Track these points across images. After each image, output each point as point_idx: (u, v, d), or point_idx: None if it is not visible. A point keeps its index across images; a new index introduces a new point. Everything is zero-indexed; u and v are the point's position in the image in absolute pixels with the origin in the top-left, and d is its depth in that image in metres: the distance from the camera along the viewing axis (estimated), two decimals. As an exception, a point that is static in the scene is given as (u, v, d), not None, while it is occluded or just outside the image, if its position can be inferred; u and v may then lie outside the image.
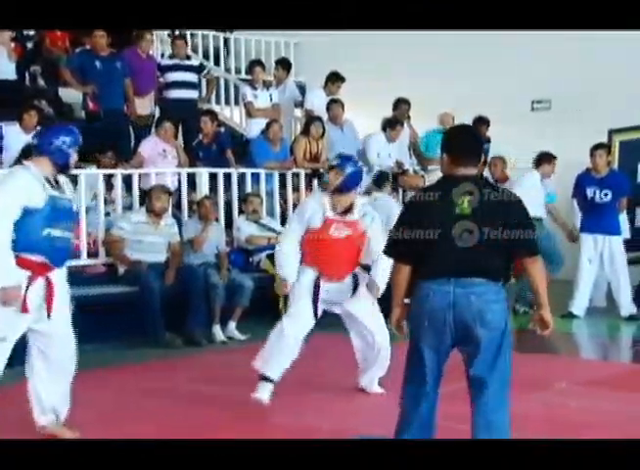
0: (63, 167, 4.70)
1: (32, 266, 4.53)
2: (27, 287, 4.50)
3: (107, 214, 8.14)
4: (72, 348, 4.81)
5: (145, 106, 9.87)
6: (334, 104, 9.98)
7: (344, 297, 5.61)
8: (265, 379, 5.48)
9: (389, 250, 4.11)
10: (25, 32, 10.46)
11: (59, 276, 4.69)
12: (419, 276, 3.98)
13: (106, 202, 8.18)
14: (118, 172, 8.30)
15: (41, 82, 10.11)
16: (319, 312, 5.57)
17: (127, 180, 8.39)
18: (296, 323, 5.51)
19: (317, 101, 10.38)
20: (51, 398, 4.79)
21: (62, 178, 4.78)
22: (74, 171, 7.84)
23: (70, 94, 9.96)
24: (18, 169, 4.72)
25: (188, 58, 10.38)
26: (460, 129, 4.43)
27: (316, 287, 5.49)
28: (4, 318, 4.52)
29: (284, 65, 11.04)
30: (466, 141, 4.09)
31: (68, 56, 10.15)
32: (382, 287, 5.49)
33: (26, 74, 10.10)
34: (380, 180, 8.96)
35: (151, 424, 5.16)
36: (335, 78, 10.34)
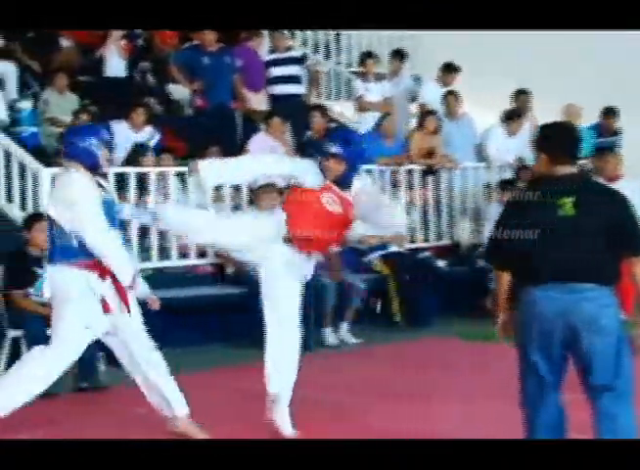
0: (93, 168, 4.67)
1: (98, 268, 4.60)
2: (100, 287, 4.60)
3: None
4: (149, 342, 4.87)
5: (260, 101, 9.95)
6: (449, 96, 9.83)
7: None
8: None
9: (489, 256, 4.08)
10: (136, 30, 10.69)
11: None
12: (524, 281, 3.88)
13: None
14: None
15: (150, 79, 10.29)
16: None
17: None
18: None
19: (430, 94, 10.22)
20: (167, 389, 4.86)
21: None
22: (181, 169, 8.04)
23: (179, 90, 10.11)
24: (73, 173, 4.67)
25: (289, 50, 10.39)
26: (557, 127, 4.29)
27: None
28: (92, 312, 4.61)
29: (398, 56, 10.92)
30: (564, 139, 3.99)
31: (176, 52, 10.33)
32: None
33: (136, 72, 10.29)
34: (504, 185, 8.90)
35: (246, 424, 5.11)
36: (449, 69, 10.18)
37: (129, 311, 4.70)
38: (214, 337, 7.42)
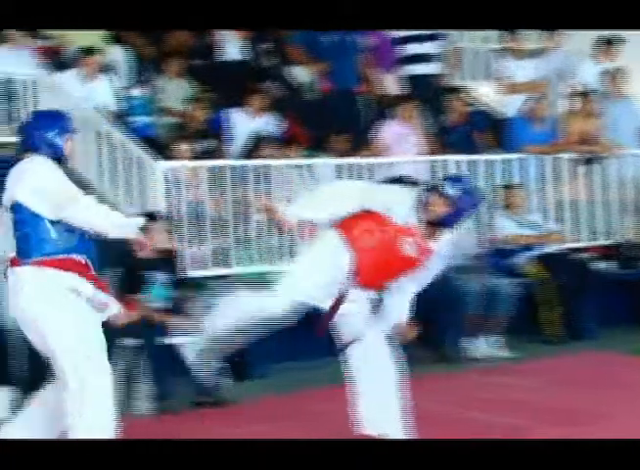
0: (57, 161, 4.49)
1: (76, 268, 4.44)
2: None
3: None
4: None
5: (391, 84, 9.93)
6: (613, 74, 9.57)
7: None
8: None
9: None
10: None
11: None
12: None
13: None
14: (356, 161, 8.31)
15: (270, 62, 10.36)
16: None
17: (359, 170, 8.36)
18: None
19: (586, 72, 9.98)
20: None
21: None
22: (298, 162, 8.07)
23: (301, 73, 10.15)
24: (39, 159, 4.50)
25: (422, 24, 10.29)
26: None
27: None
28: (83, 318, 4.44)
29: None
30: None
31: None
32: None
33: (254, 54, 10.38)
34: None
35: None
36: (607, 44, 9.89)
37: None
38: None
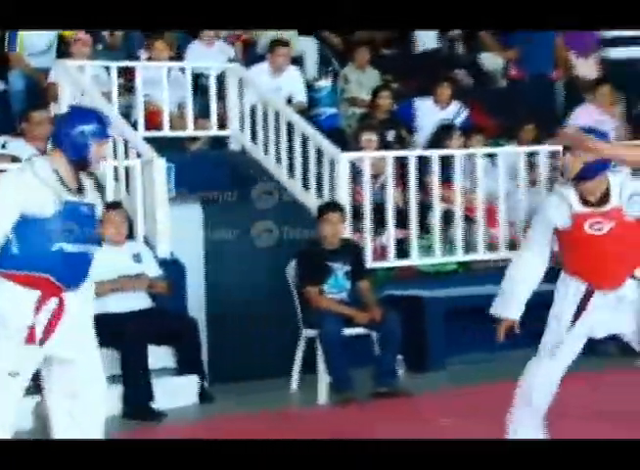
0: (79, 164, 4.20)
1: (42, 285, 4.11)
2: (37, 309, 4.10)
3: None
4: (101, 386, 4.33)
5: (590, 68, 9.76)
6: None
7: (623, 315, 4.71)
8: None
9: None
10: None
11: (78, 297, 4.22)
12: None
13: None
14: (543, 149, 8.21)
15: (460, 49, 10.37)
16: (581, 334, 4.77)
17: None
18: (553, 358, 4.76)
19: None
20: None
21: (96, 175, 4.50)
22: (491, 150, 8.02)
23: (492, 60, 10.10)
24: (12, 171, 4.35)
25: (631, 1, 9.98)
26: None
27: (584, 300, 4.70)
28: (15, 350, 4.12)
29: None
30: None
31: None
32: None
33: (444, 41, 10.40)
34: None
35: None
36: None
37: (42, 341, 4.13)
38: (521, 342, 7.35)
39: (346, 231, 7.02)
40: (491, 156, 8.03)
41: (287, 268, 6.75)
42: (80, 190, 4.22)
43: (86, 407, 4.25)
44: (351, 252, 6.82)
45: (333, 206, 6.89)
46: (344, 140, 8.26)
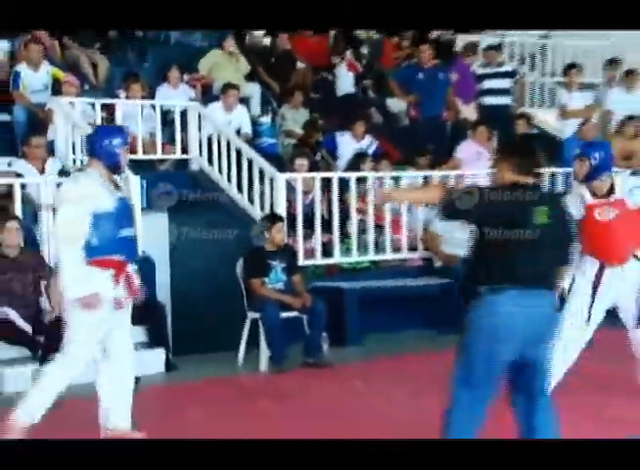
0: (113, 169, 4.33)
1: (114, 265, 4.26)
2: (116, 283, 4.25)
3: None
4: (131, 347, 4.49)
5: (471, 112, 9.82)
6: None
7: (628, 287, 4.85)
8: None
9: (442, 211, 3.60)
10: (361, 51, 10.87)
11: (133, 271, 4.41)
12: (490, 281, 3.48)
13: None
14: (436, 174, 8.28)
15: (371, 94, 10.42)
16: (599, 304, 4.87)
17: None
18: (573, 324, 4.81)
19: (614, 99, 9.61)
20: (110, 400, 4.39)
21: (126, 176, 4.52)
22: (396, 174, 8.10)
23: (396, 104, 10.17)
24: (78, 176, 4.45)
25: (501, 65, 10.15)
26: (524, 137, 3.96)
27: (598, 276, 4.81)
28: (105, 316, 4.24)
29: (614, 64, 10.13)
30: (529, 150, 3.70)
31: (396, 69, 10.39)
32: None
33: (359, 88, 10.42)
34: None
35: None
36: (631, 74, 9.53)
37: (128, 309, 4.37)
38: (424, 323, 7.43)
39: (284, 236, 6.97)
40: (396, 178, 8.06)
41: (236, 265, 6.70)
42: (117, 187, 4.35)
43: (118, 369, 4.38)
44: (287, 252, 6.79)
45: (279, 217, 6.88)
46: (282, 164, 8.23)
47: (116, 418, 4.38)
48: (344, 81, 10.03)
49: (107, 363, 4.38)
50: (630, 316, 4.98)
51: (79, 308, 4.17)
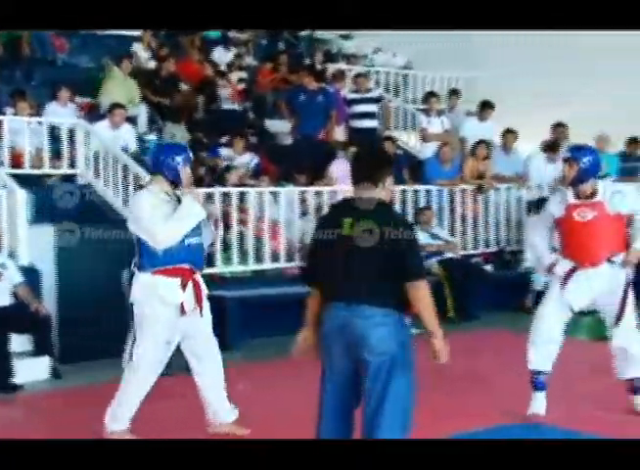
0: (175, 182, 4.29)
1: (181, 273, 4.25)
2: (183, 289, 4.23)
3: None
4: (215, 345, 4.50)
5: (340, 133, 9.86)
6: (508, 134, 9.44)
7: (601, 290, 4.51)
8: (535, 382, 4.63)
9: (302, 275, 3.62)
10: (240, 76, 10.73)
11: (201, 279, 4.41)
12: (324, 298, 3.41)
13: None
14: (311, 190, 8.26)
15: (251, 115, 10.31)
16: (572, 303, 4.57)
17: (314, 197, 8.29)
18: (541, 323, 4.59)
19: (469, 127, 9.91)
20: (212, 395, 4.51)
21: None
22: (275, 189, 8.02)
23: (275, 125, 10.10)
24: (142, 193, 4.39)
25: (369, 91, 10.28)
26: (357, 153, 3.90)
27: (567, 275, 4.51)
28: (167, 323, 4.26)
29: (455, 94, 10.70)
30: (360, 164, 3.48)
31: (277, 91, 10.31)
32: None
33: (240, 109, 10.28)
34: (540, 204, 8.61)
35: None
36: (486, 106, 9.85)
37: (202, 314, 4.35)
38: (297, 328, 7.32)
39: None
40: (275, 193, 7.97)
41: (122, 274, 6.41)
42: (179, 200, 4.29)
43: (206, 368, 4.47)
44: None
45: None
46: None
47: (224, 413, 4.53)
48: (226, 102, 9.87)
49: (201, 365, 4.46)
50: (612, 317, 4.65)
51: (145, 313, 4.23)
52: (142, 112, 9.24)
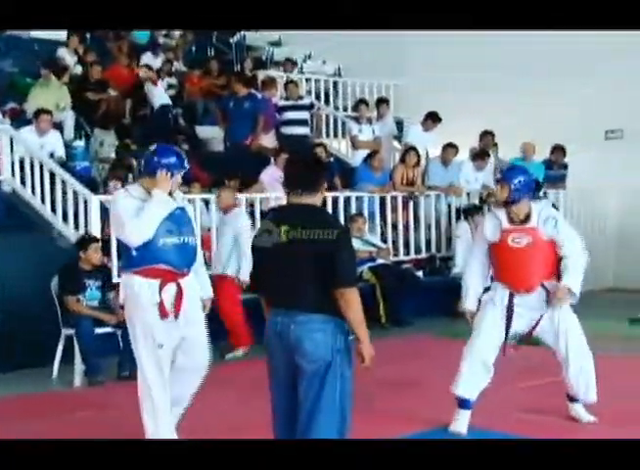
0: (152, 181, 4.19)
1: (160, 274, 4.17)
2: (161, 290, 4.14)
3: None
4: (206, 353, 4.35)
5: (270, 140, 9.92)
6: (449, 148, 9.63)
7: (535, 312, 4.54)
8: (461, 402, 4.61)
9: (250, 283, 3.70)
10: (169, 82, 10.71)
11: (189, 282, 4.28)
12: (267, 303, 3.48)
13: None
14: (242, 197, 8.29)
15: (181, 122, 10.30)
16: (511, 331, 4.57)
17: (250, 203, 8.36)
18: (483, 343, 4.55)
19: (413, 135, 10.16)
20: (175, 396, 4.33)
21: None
22: (206, 196, 8.02)
23: (206, 131, 10.10)
24: (119, 192, 4.40)
25: (300, 98, 10.40)
26: (291, 159, 3.95)
27: (510, 304, 4.50)
28: (161, 327, 4.17)
29: (384, 102, 10.91)
30: (294, 170, 3.55)
31: (206, 98, 10.32)
32: (573, 288, 4.46)
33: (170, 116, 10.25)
34: (469, 210, 8.88)
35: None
36: (433, 118, 10.05)
37: (176, 317, 4.20)
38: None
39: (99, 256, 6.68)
40: (206, 200, 7.98)
41: (51, 282, 6.35)
42: (174, 199, 4.23)
43: (192, 364, 4.27)
44: (102, 271, 6.54)
45: (94, 237, 6.59)
46: (95, 186, 7.91)
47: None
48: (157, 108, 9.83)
49: (175, 375, 4.27)
50: (549, 338, 4.63)
51: (128, 314, 4.24)
52: (69, 117, 9.12)
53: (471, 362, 4.54)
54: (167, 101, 9.98)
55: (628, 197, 8.67)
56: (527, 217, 4.54)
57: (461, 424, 4.56)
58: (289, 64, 11.96)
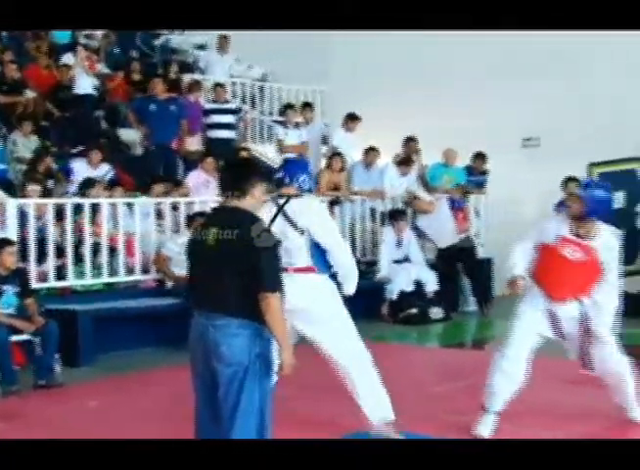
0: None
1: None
2: None
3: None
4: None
5: (196, 143, 9.80)
6: (370, 151, 9.73)
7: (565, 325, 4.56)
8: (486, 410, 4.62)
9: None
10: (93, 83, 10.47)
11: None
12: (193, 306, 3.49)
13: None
14: (167, 201, 8.19)
15: (104, 125, 10.09)
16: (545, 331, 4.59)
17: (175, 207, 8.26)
18: (516, 347, 4.56)
19: (337, 138, 10.23)
20: None
21: None
22: (129, 200, 7.88)
23: (129, 134, 9.92)
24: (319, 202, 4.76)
25: (227, 102, 10.34)
26: (225, 164, 3.97)
27: (552, 313, 4.53)
28: None
29: (309, 107, 10.95)
30: (226, 174, 3.56)
31: (133, 100, 10.15)
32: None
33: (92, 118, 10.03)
34: (394, 215, 8.97)
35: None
36: (352, 118, 10.16)
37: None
38: (159, 340, 7.24)
39: (15, 260, 6.47)
40: (130, 204, 7.83)
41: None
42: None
43: None
44: (19, 276, 6.30)
45: (8, 241, 6.37)
46: (13, 189, 7.66)
47: None
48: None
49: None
50: (573, 348, 4.71)
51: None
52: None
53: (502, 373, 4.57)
54: (93, 92, 9.75)
55: (543, 203, 8.91)
56: (591, 235, 4.50)
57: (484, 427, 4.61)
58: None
